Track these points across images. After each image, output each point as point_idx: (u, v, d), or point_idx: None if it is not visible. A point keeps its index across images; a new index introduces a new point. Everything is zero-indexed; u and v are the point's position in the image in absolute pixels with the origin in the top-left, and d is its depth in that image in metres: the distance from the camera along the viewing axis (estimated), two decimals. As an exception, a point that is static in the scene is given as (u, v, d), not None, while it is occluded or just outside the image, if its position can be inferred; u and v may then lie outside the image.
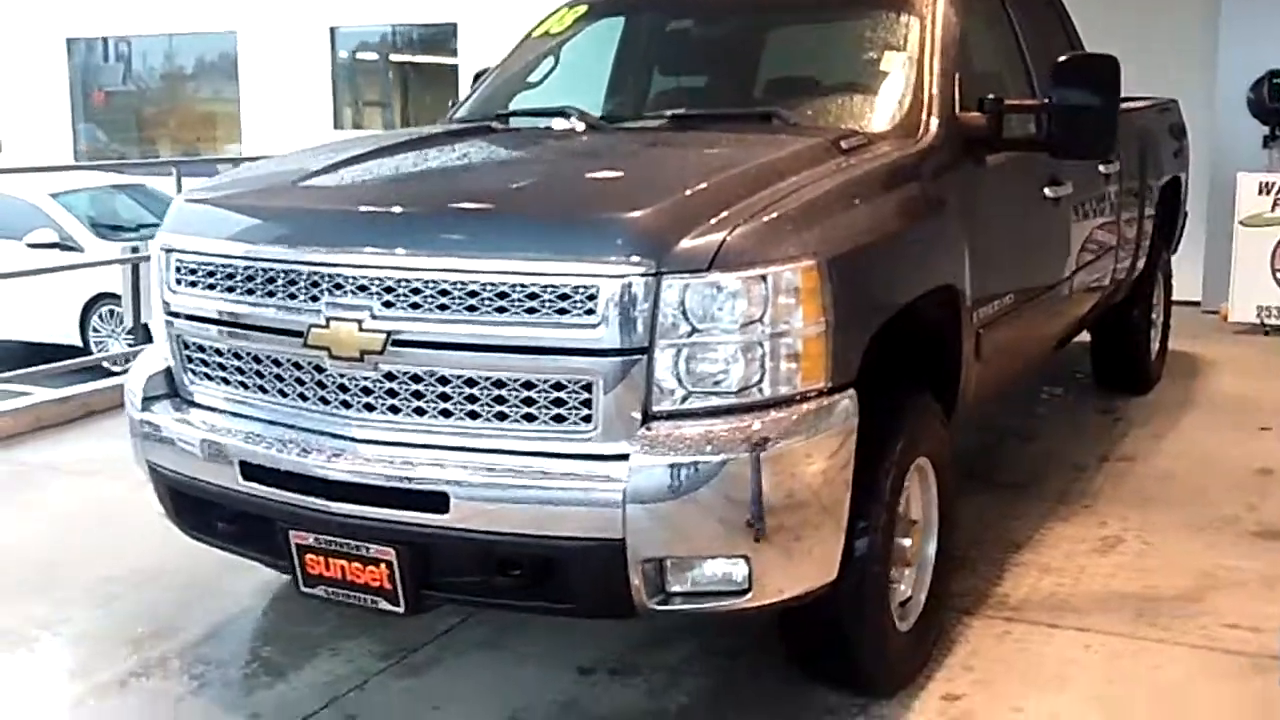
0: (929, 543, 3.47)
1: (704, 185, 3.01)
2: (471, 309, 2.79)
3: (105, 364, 9.53)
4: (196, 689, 3.44)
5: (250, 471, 3.07)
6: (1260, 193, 8.04)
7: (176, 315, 3.34)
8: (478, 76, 4.99)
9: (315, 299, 2.96)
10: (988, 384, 3.96)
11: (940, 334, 3.59)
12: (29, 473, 5.42)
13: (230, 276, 3.16)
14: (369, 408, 2.93)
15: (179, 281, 3.33)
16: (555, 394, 2.77)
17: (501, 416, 2.82)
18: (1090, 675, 3.44)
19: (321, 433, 3.00)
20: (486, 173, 3.70)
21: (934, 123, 3.70)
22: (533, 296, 2.75)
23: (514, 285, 2.76)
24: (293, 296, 3.01)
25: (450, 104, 5.10)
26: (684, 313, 2.71)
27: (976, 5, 4.32)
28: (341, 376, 2.94)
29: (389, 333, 2.85)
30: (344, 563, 2.93)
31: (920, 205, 3.50)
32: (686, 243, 2.75)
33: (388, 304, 2.86)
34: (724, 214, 2.84)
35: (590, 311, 2.71)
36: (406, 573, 2.87)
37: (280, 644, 3.67)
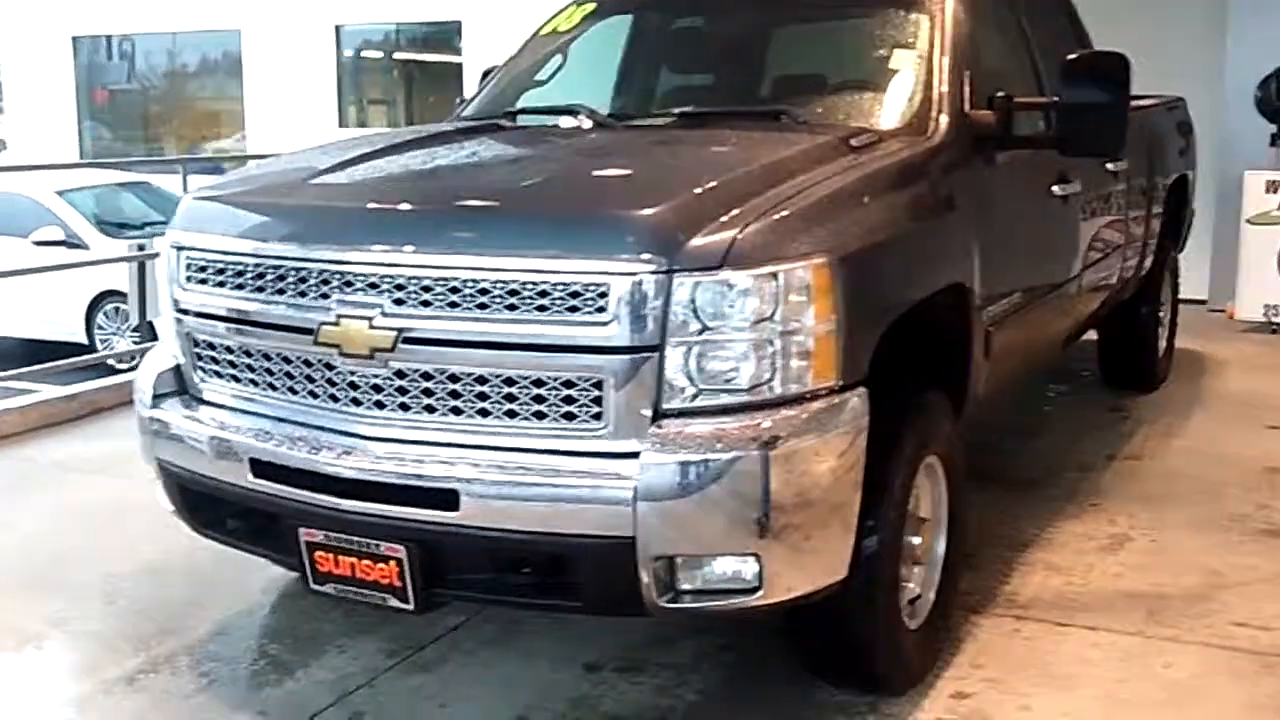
0: (939, 541, 3.47)
1: (715, 183, 3.00)
2: (482, 306, 2.78)
3: (111, 362, 9.54)
4: (205, 686, 3.44)
5: (260, 469, 3.07)
6: (1267, 191, 8.02)
7: (186, 312, 3.34)
8: (485, 74, 4.99)
9: (326, 296, 2.96)
10: (997, 382, 3.95)
11: (950, 332, 3.59)
12: (36, 470, 5.42)
13: (240, 274, 3.16)
14: (379, 405, 2.92)
15: (189, 279, 3.33)
16: (566, 391, 2.77)
17: (512, 414, 2.81)
18: (1100, 674, 3.43)
19: (332, 430, 3.00)
20: (496, 170, 3.69)
21: (944, 121, 3.70)
22: (544, 294, 2.74)
23: (525, 283, 2.76)
24: (303, 294, 3.01)
25: (456, 102, 5.10)
26: (695, 311, 2.71)
27: (986, 3, 4.31)
28: (352, 374, 2.94)
29: (399, 330, 2.85)
30: (354, 560, 2.93)
31: (930, 203, 3.50)
32: (698, 241, 2.74)
33: (398, 301, 2.86)
34: (735, 212, 2.83)
35: (601, 309, 2.71)
36: (416, 570, 2.87)
37: (288, 641, 3.68)
